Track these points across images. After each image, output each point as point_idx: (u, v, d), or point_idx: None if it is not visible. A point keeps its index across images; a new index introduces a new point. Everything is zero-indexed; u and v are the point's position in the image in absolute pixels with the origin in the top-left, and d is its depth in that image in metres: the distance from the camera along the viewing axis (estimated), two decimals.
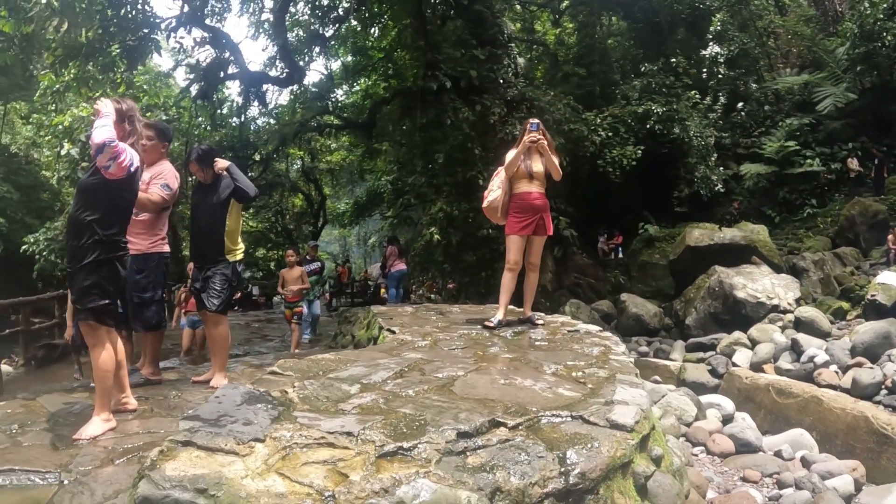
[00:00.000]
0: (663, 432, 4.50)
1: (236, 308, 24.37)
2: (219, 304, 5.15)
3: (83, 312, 3.78)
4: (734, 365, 9.85)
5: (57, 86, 15.95)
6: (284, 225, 34.12)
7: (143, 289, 5.19)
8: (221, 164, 5.26)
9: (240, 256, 5.45)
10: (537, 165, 5.85)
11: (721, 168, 17.03)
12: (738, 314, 11.96)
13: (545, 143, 5.77)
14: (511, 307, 6.38)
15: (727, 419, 7.65)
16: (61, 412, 4.31)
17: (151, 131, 5.25)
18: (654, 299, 14.94)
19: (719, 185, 16.50)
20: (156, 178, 5.15)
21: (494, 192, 6.01)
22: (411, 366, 4.05)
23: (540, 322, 6.06)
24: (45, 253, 16.14)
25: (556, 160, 5.87)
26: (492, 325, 5.73)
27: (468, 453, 2.49)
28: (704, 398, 8.17)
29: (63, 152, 17.93)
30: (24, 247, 16.64)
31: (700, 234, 14.42)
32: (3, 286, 8.24)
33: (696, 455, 6.49)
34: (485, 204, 6.16)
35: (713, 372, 9.76)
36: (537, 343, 5.13)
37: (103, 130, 3.67)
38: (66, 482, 3.11)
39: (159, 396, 4.81)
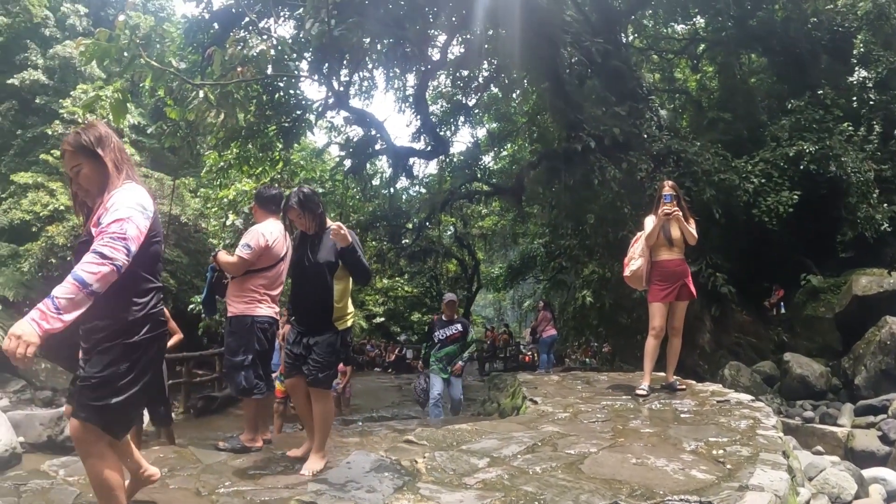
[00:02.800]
0: None
1: (390, 371, 25.13)
2: (323, 376, 4.22)
3: (84, 410, 2.66)
4: None
5: (220, 163, 17.46)
6: (439, 290, 34.81)
7: (233, 352, 5.01)
8: (339, 230, 4.10)
9: (350, 323, 4.48)
10: (675, 231, 5.91)
11: (885, 205, 15.67)
12: None
13: (680, 214, 5.84)
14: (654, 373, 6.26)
15: (893, 496, 6.89)
16: (211, 462, 4.46)
17: (254, 200, 5.52)
18: (820, 357, 13.82)
19: (885, 224, 15.19)
20: (243, 238, 5.05)
21: (636, 260, 6.07)
22: (545, 440, 4.01)
23: (681, 387, 6.05)
24: None
25: (692, 226, 5.93)
26: (644, 393, 5.79)
27: None
28: (868, 472, 7.39)
29: (228, 223, 19.47)
30: (191, 306, 17.98)
31: (868, 282, 13.31)
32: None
33: None
34: (627, 273, 6.22)
35: (884, 438, 8.83)
36: (682, 416, 4.95)
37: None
38: None
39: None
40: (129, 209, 2.65)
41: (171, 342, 6.55)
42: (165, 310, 6.47)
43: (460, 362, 8.72)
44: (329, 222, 4.30)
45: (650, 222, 5.96)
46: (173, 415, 10.42)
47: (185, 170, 25.49)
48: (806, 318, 15.58)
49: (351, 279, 4.42)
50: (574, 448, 3.75)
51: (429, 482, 3.22)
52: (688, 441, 3.92)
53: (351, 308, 4.52)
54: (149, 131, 22.12)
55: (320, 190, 21.74)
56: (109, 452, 2.77)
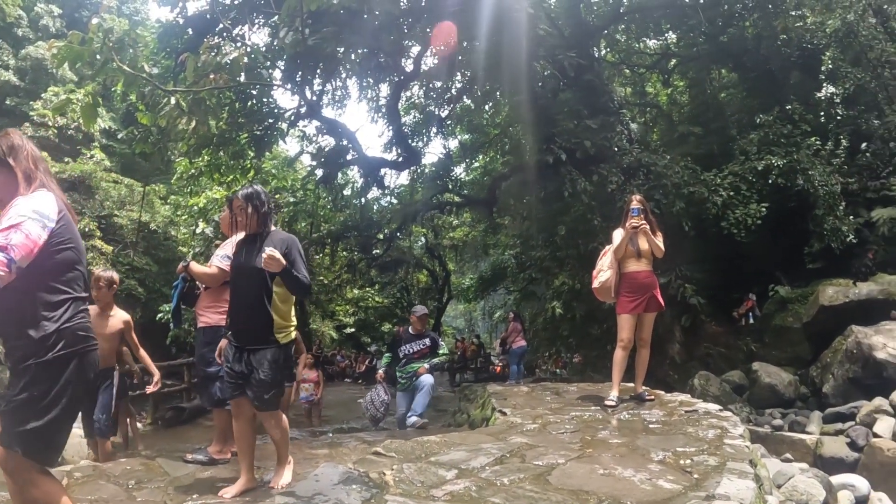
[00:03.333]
0: None
1: (360, 381, 24.99)
2: (269, 397, 3.88)
3: (6, 435, 2.52)
4: (875, 436, 9.04)
5: (191, 171, 17.33)
6: (410, 300, 34.76)
7: (208, 363, 4.89)
8: (269, 259, 3.65)
9: (293, 336, 4.16)
10: (644, 244, 5.99)
11: (851, 217, 15.95)
12: (880, 377, 10.91)
13: (647, 227, 5.93)
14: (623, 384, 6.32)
15: (861, 501, 7.01)
16: (180, 475, 4.38)
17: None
18: (789, 366, 14.05)
19: (851, 236, 15.47)
20: (220, 249, 4.92)
21: (605, 272, 6.15)
22: (513, 451, 4.02)
23: (650, 398, 6.14)
24: None
25: (659, 239, 6.01)
26: (613, 403, 5.84)
27: None
28: (837, 478, 7.51)
29: (198, 231, 19.32)
30: (159, 315, 17.69)
31: (834, 292, 13.54)
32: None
33: None
34: (595, 284, 6.27)
35: (852, 445, 9.01)
36: (651, 426, 4.99)
37: None
38: None
39: (271, 468, 4.66)
40: (21, 217, 2.48)
41: (151, 388, 6.25)
42: (139, 353, 6.08)
43: (426, 364, 7.95)
44: (273, 228, 4.03)
45: (618, 235, 6.04)
46: (140, 426, 10.32)
47: (156, 176, 25.20)
48: (775, 328, 15.78)
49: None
50: (542, 459, 3.76)
51: (396, 494, 3.22)
52: (656, 451, 3.94)
53: (293, 321, 4.18)
54: (119, 136, 21.88)
55: (291, 199, 21.68)
56: (42, 478, 2.58)
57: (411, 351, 8.02)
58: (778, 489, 6.32)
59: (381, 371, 8.52)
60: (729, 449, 3.99)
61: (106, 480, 4.09)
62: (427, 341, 8.16)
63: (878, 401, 10.03)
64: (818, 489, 6.86)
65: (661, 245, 6.01)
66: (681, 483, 3.25)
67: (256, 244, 3.89)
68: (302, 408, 11.18)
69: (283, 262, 3.64)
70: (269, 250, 3.61)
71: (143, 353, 6.22)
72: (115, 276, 5.98)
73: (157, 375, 6.12)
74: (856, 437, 9.15)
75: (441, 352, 8.35)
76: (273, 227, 4.02)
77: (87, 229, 19.26)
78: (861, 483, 7.33)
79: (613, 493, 3.05)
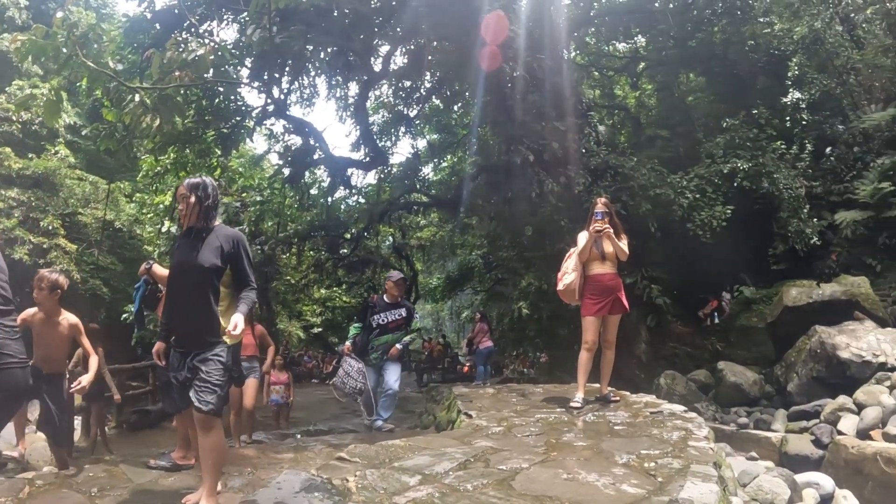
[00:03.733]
0: None
1: (328, 382, 24.81)
2: (212, 398, 3.45)
3: None
4: (839, 433, 9.19)
5: (157, 168, 17.07)
6: None
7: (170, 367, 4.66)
8: (232, 335, 3.62)
9: (241, 337, 3.84)
10: (608, 247, 6.00)
11: (815, 219, 16.28)
12: (843, 376, 11.10)
13: (611, 231, 5.92)
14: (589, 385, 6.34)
15: (826, 499, 7.09)
16: (143, 481, 4.27)
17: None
18: (754, 366, 14.28)
19: (815, 238, 15.77)
20: None
21: (570, 274, 6.16)
22: (478, 456, 4.00)
23: (615, 399, 6.19)
24: None
25: (623, 242, 6.03)
26: (578, 405, 5.85)
27: None
28: (802, 477, 7.59)
29: (164, 229, 19.08)
30: (124, 315, 17.39)
31: (798, 293, 13.74)
32: (104, 352, 8.11)
33: None
34: (560, 287, 6.27)
35: (817, 442, 9.16)
36: (616, 428, 5.01)
37: None
38: None
39: (234, 473, 4.64)
40: None
41: (74, 385, 5.56)
42: (90, 358, 5.59)
43: (398, 345, 7.48)
44: (218, 223, 3.75)
45: (583, 238, 6.06)
46: (106, 429, 10.09)
47: (122, 173, 24.73)
48: (740, 328, 16.03)
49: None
50: (506, 464, 3.73)
51: (359, 502, 3.17)
52: (620, 454, 3.94)
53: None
54: (84, 132, 21.45)
55: (258, 198, 21.50)
56: None
57: (386, 321, 7.47)
58: (743, 489, 6.38)
59: (347, 343, 7.81)
60: (693, 451, 4.01)
61: (69, 488, 4.01)
62: (403, 311, 7.66)
63: (842, 399, 10.20)
64: (783, 488, 6.93)
65: (626, 248, 6.04)
66: (644, 487, 3.25)
67: (198, 240, 3.64)
68: (271, 410, 11.07)
69: (242, 322, 3.55)
70: (229, 331, 3.51)
71: (93, 359, 5.56)
72: (62, 279, 5.24)
73: (87, 380, 5.55)
74: (820, 434, 9.29)
75: (414, 324, 8.06)
76: (217, 223, 3.77)
77: (50, 227, 18.91)
78: (826, 481, 7.41)
79: (577, 499, 3.04)
